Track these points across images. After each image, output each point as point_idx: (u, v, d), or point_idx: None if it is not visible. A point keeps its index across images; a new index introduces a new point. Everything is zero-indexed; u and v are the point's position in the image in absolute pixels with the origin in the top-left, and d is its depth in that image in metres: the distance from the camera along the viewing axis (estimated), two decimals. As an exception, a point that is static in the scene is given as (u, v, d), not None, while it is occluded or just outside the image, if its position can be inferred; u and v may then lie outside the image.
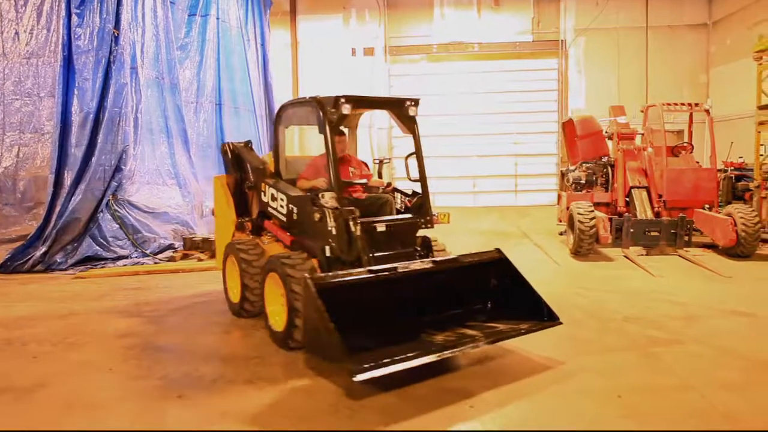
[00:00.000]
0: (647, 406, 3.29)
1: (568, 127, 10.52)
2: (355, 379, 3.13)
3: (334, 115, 4.58)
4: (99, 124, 8.15)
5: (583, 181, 9.58)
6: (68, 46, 8.20)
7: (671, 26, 15.69)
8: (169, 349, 4.60)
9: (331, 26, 16.60)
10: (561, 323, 4.00)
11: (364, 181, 5.35)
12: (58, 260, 7.90)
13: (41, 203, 8.51)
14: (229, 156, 5.96)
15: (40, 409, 3.38)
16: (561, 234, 10.01)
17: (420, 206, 4.99)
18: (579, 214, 7.96)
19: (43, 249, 7.87)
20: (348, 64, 16.43)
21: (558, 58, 16.36)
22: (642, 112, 9.97)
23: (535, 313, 4.16)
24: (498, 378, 3.72)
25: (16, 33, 8.67)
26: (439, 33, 16.43)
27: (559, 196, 10.39)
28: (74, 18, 8.09)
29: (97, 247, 8.05)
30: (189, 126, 10.19)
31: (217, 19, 11.47)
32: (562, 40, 16.26)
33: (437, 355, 3.54)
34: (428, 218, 4.89)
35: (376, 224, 4.67)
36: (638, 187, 8.84)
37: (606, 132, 9.76)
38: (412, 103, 4.94)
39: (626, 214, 8.53)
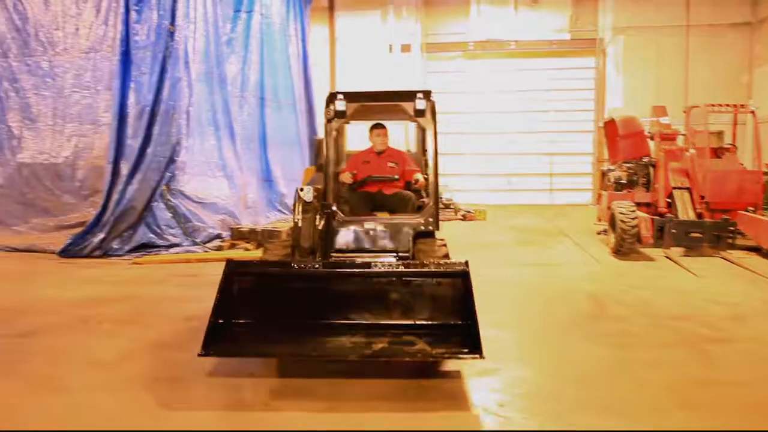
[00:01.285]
0: (704, 399, 3.41)
1: (609, 126, 10.53)
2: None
3: (330, 112, 4.83)
4: (155, 116, 8.50)
5: (624, 181, 9.61)
6: (126, 41, 8.55)
7: (712, 25, 15.47)
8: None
9: (368, 22, 16.79)
10: (483, 358, 3.33)
11: (380, 176, 5.43)
12: (115, 246, 8.27)
13: (98, 191, 8.92)
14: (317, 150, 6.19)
15: (129, 380, 3.64)
16: (599, 233, 10.05)
17: (421, 207, 4.95)
18: (621, 213, 8.01)
19: (101, 235, 8.25)
20: (385, 60, 16.60)
21: (595, 56, 16.31)
22: (684, 113, 9.92)
23: (465, 339, 3.52)
24: (559, 369, 3.89)
25: (77, 29, 9.07)
26: (476, 30, 16.50)
27: (599, 196, 10.43)
28: (133, 14, 8.43)
29: (152, 235, 8.39)
30: (234, 119, 10.51)
31: (261, 15, 11.77)
32: (600, 39, 16.20)
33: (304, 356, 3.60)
34: (426, 220, 4.72)
35: (365, 222, 4.85)
36: (680, 188, 8.83)
37: (648, 132, 9.76)
38: (422, 96, 4.80)
39: (668, 214, 8.54)
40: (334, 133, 5.19)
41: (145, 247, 8.38)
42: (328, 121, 5.01)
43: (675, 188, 8.84)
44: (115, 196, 8.41)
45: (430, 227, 4.75)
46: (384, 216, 5.14)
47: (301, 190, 4.56)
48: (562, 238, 10.29)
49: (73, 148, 9.15)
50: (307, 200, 4.51)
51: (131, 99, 8.57)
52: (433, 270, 3.85)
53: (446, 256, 4.62)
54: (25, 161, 9.43)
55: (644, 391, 3.52)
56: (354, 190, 5.51)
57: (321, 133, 14.14)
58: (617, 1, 15.90)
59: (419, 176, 5.33)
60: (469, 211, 12.82)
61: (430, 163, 5.15)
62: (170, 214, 8.53)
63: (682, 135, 9.60)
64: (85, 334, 4.75)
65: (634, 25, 15.62)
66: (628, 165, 9.84)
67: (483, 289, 6.17)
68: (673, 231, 8.07)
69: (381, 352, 3.49)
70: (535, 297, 6.00)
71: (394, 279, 3.83)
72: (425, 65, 16.75)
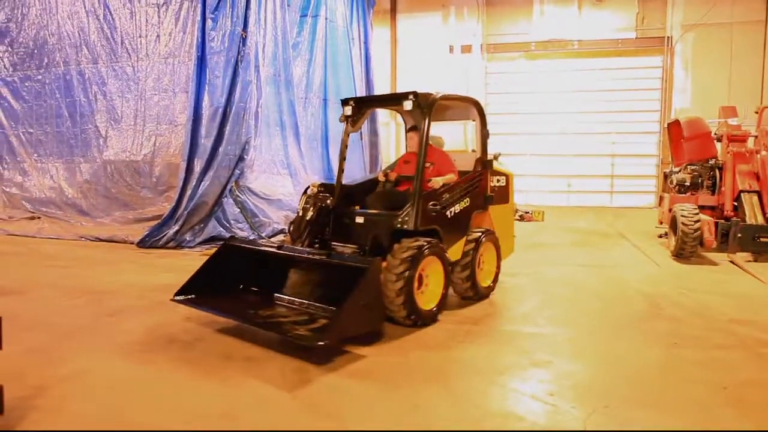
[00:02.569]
0: (753, 399, 3.44)
1: (673, 128, 10.29)
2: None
3: (342, 116, 5.45)
4: (226, 117, 9.04)
5: (687, 183, 9.40)
6: (202, 46, 9.13)
7: (793, 20, 14.74)
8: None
9: (429, 24, 17.01)
10: (323, 344, 3.73)
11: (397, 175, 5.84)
12: (188, 238, 8.87)
13: (173, 187, 9.55)
14: None
15: (206, 357, 4.04)
16: (660, 236, 9.86)
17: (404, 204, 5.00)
18: (683, 216, 7.88)
19: (176, 228, 8.87)
20: (445, 61, 16.79)
21: (663, 55, 15.86)
22: (756, 113, 9.58)
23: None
24: (609, 365, 3.99)
25: (158, 36, 9.76)
26: (538, 30, 16.39)
27: (661, 198, 10.22)
28: (209, 22, 9.00)
29: (221, 228, 8.94)
30: (299, 120, 10.98)
31: (326, 19, 12.21)
32: (668, 37, 15.73)
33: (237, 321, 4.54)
34: (402, 219, 4.73)
35: (357, 216, 5.17)
36: (749, 191, 8.57)
37: (715, 134, 9.50)
38: (409, 97, 5.01)
39: (734, 218, 8.31)
40: (345, 136, 5.81)
41: (214, 240, 8.91)
42: (344, 121, 5.64)
43: (743, 191, 8.59)
44: (188, 192, 9.00)
45: (405, 226, 4.74)
46: (373, 212, 5.36)
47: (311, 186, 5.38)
48: (621, 241, 10.16)
49: (151, 147, 9.85)
50: (309, 194, 5.28)
51: (205, 101, 9.14)
52: (338, 262, 4.50)
53: (411, 258, 4.50)
54: (110, 158, 10.23)
55: (694, 389, 3.58)
56: (393, 187, 5.82)
57: (381, 134, 14.55)
58: (687, -2, 15.42)
59: (437, 179, 5.29)
60: (527, 212, 12.82)
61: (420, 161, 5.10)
62: (238, 210, 9.05)
63: (753, 137, 9.29)
64: (165, 315, 5.21)
65: (705, 22, 15.09)
66: (692, 167, 9.61)
67: (538, 287, 6.37)
68: (740, 235, 7.86)
69: (276, 325, 4.30)
70: (590, 296, 6.06)
71: (316, 266, 4.66)
72: (486, 66, 16.78)
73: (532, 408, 3.27)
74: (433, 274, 4.86)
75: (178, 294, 4.72)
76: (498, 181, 6.02)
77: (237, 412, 3.18)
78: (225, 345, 4.31)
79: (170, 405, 3.30)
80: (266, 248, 4.99)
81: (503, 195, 6.13)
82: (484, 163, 5.76)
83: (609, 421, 3.12)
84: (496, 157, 6.18)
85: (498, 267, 5.86)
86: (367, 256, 4.84)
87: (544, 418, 3.13)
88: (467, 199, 5.48)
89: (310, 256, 4.70)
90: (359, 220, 5.18)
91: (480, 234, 5.52)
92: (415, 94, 5.07)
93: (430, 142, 5.47)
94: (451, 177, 5.44)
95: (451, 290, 5.38)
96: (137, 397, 3.41)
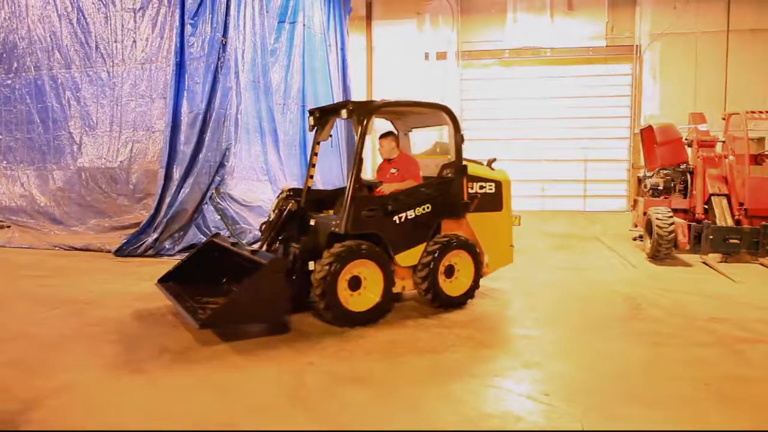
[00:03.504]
0: (736, 394, 3.58)
1: (646, 133, 10.60)
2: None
3: (309, 125, 5.85)
4: (206, 124, 8.95)
5: (661, 188, 9.68)
6: (181, 52, 9.04)
7: (754, 30, 15.31)
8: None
9: (405, 31, 17.15)
10: (197, 327, 4.31)
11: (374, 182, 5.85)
12: (167, 246, 8.75)
13: (150, 194, 9.41)
14: None
15: (198, 366, 4.00)
16: (635, 239, 10.12)
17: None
18: (658, 219, 8.12)
19: (155, 236, 8.74)
20: (421, 67, 16.94)
21: (632, 63, 16.28)
22: (723, 119, 9.94)
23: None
24: (597, 364, 4.10)
25: (134, 41, 9.62)
26: (512, 38, 16.67)
27: (636, 202, 10.50)
28: (188, 28, 8.91)
29: (201, 236, 8.82)
30: (278, 126, 10.94)
31: (303, 25, 12.20)
32: (636, 45, 16.17)
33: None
34: (335, 222, 4.99)
35: (311, 219, 5.49)
36: (718, 195, 8.88)
37: (686, 139, 9.82)
38: (345, 107, 5.26)
39: (705, 221, 8.60)
40: (314, 144, 6.01)
41: (194, 247, 8.76)
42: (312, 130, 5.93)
43: (713, 195, 8.89)
44: (167, 199, 8.88)
45: (337, 230, 4.94)
46: (323, 215, 5.64)
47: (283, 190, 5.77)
48: (597, 244, 10.40)
49: (128, 153, 9.69)
50: (278, 198, 5.69)
51: (184, 107, 9.04)
52: (248, 257, 4.88)
53: (329, 264, 4.75)
54: (84, 165, 10.02)
55: (679, 385, 3.71)
56: (370, 193, 5.84)
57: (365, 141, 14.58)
58: (654, 7, 15.89)
59: (389, 185, 5.52)
60: (503, 217, 12.92)
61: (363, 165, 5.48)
62: (219, 216, 8.97)
63: (721, 142, 9.63)
64: (151, 324, 5.14)
65: (672, 32, 15.58)
66: (665, 172, 9.91)
67: (521, 290, 6.48)
68: (711, 237, 8.13)
69: (195, 310, 4.68)
70: (572, 298, 6.20)
71: (246, 261, 4.95)
72: (461, 73, 16.99)
73: (529, 408, 3.33)
74: (370, 277, 5.00)
75: (161, 280, 5.52)
76: (483, 188, 5.85)
77: (236, 421, 3.17)
78: (216, 353, 4.28)
79: (167, 415, 3.26)
80: (225, 245, 5.52)
81: (492, 202, 5.92)
82: (459, 169, 5.62)
83: (603, 417, 3.21)
84: (490, 163, 6.15)
85: (474, 279, 5.62)
86: (302, 255, 5.15)
87: (542, 417, 3.20)
88: (428, 205, 5.41)
89: (241, 251, 5.14)
90: (312, 222, 5.47)
91: (448, 241, 5.41)
92: (351, 103, 5.31)
93: (437, 149, 5.64)
94: (408, 183, 5.59)
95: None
96: (133, 408, 3.36)
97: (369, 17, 17.35)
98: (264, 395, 3.52)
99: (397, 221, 5.23)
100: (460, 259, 5.55)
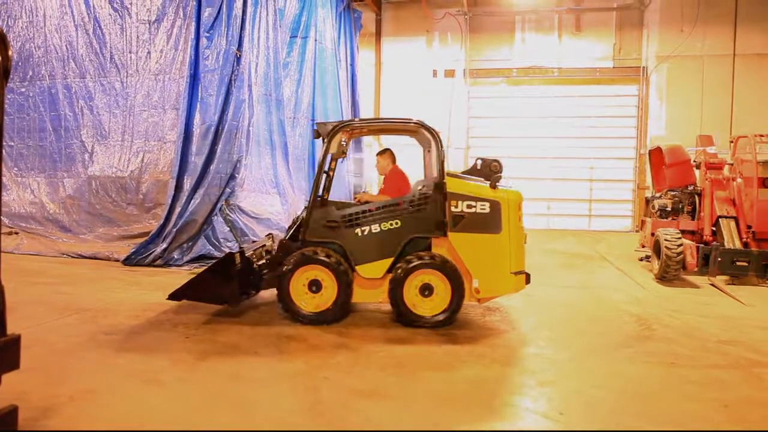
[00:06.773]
0: (756, 417, 3.58)
1: (655, 154, 10.65)
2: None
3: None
4: (219, 135, 9.01)
5: (669, 209, 9.70)
6: (195, 65, 9.13)
7: (761, 54, 15.45)
8: (297, 338, 5.19)
9: (414, 48, 17.33)
10: (167, 299, 5.43)
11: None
12: (176, 256, 8.76)
13: (160, 204, 9.44)
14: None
15: (211, 377, 4.01)
16: (641, 260, 10.12)
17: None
18: (666, 240, 8.13)
19: (163, 246, 8.75)
20: (429, 84, 17.10)
21: (639, 84, 16.42)
22: (731, 142, 10.00)
23: None
24: (612, 383, 4.09)
25: (149, 52, 9.73)
26: (520, 57, 16.84)
27: (643, 222, 10.52)
28: (203, 41, 9.02)
29: (210, 247, 8.85)
30: (288, 140, 11.01)
31: (315, 40, 12.35)
32: (643, 67, 16.32)
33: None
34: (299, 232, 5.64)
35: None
36: (726, 217, 8.90)
37: (694, 161, 9.87)
38: (315, 129, 5.91)
39: (714, 243, 8.61)
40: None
41: (203, 258, 8.82)
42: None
43: (721, 217, 8.91)
44: (177, 209, 8.91)
45: (294, 240, 5.65)
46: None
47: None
48: (604, 263, 10.39)
49: (139, 163, 9.74)
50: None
51: (197, 119, 9.11)
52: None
53: (288, 265, 5.45)
54: (95, 174, 10.07)
55: (697, 406, 3.70)
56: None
57: (365, 154, 14.66)
58: (662, 30, 16.06)
59: (362, 196, 6.21)
60: (509, 234, 12.93)
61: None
62: (228, 228, 8.98)
63: (729, 164, 9.67)
64: (163, 333, 5.14)
65: (679, 54, 15.72)
66: (672, 193, 9.95)
67: (532, 308, 6.46)
68: (720, 259, 8.13)
69: None
70: (583, 317, 6.19)
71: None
72: (468, 90, 17.12)
73: (546, 426, 3.33)
74: (327, 281, 5.44)
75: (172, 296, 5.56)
76: (471, 207, 5.40)
77: (257, 432, 3.16)
78: (231, 365, 4.28)
79: (185, 426, 3.26)
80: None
81: (485, 223, 5.41)
82: (437, 186, 5.40)
83: (623, 438, 3.20)
84: (494, 182, 5.61)
85: (451, 302, 5.34)
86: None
87: (561, 437, 3.20)
88: (397, 221, 5.41)
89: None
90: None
91: (417, 259, 5.31)
92: (316, 124, 5.98)
93: (477, 165, 5.96)
94: (381, 197, 5.94)
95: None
96: (152, 420, 3.36)
97: (379, 34, 17.55)
98: (282, 409, 3.51)
99: (359, 233, 5.48)
100: (436, 279, 5.35)
